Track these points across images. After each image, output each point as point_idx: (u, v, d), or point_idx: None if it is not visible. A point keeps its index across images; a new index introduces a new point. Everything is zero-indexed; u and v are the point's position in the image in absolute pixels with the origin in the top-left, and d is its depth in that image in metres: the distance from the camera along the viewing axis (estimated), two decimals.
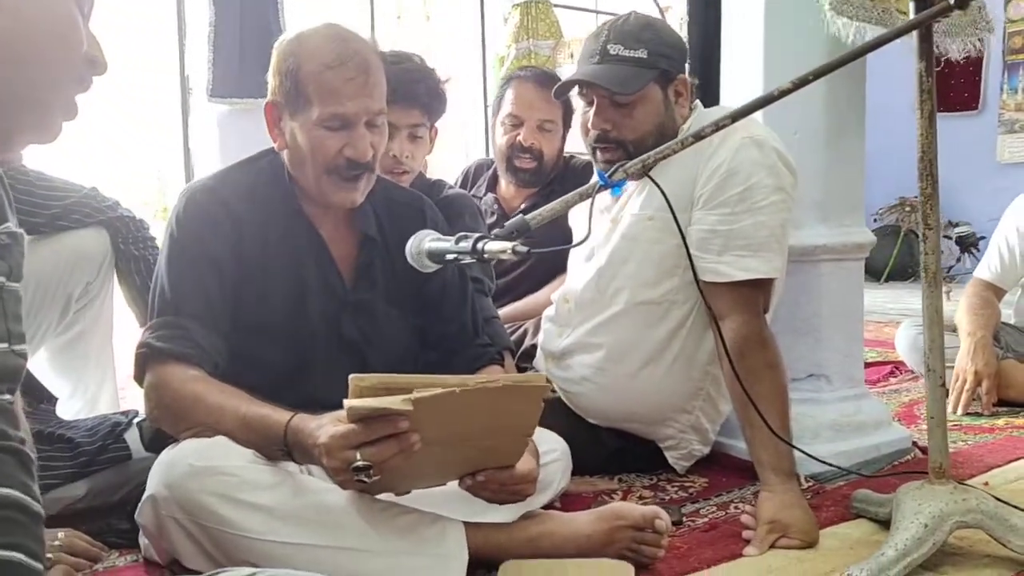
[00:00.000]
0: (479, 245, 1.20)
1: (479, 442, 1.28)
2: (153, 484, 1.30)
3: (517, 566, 1.34)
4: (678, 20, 4.04)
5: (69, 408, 1.94)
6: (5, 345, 0.85)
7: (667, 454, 1.91)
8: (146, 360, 1.42)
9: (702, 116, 1.77)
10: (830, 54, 1.74)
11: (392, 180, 1.81)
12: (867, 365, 3.12)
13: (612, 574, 1.32)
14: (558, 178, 2.34)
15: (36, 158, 1.94)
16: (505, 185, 2.41)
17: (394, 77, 1.77)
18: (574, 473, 1.75)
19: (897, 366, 3.10)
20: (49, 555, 1.42)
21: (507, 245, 1.17)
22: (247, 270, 1.50)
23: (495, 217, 2.37)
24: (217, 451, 1.30)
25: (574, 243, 1.26)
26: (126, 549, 1.53)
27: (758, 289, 1.67)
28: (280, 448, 1.29)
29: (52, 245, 1.84)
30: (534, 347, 2.03)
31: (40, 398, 1.76)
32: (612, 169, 1.30)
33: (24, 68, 0.81)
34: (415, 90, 1.90)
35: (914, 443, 2.03)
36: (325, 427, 1.21)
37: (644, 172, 1.24)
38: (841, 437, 1.95)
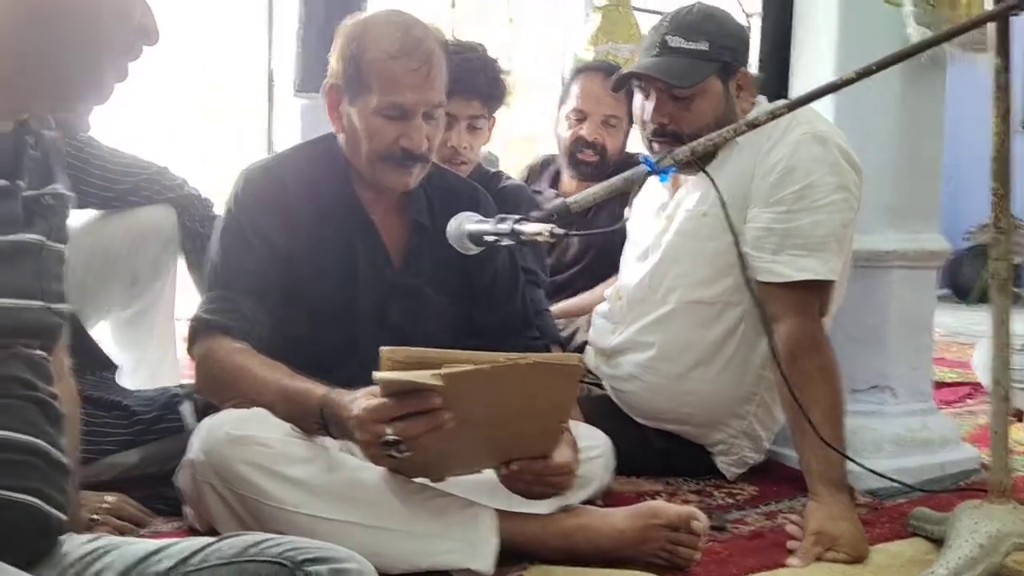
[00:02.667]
0: (517, 226, 1.20)
1: (513, 426, 1.27)
2: (192, 449, 1.33)
3: (544, 572, 1.33)
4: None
5: (132, 381, 2.00)
6: (41, 303, 0.88)
7: (717, 459, 1.86)
8: (196, 332, 1.46)
9: (764, 111, 1.72)
10: None
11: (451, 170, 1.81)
12: (946, 385, 3.01)
13: None
14: (618, 174, 2.31)
15: (118, 138, 2.02)
16: (567, 180, 2.40)
17: (455, 67, 1.77)
18: (620, 473, 1.72)
19: (975, 387, 2.95)
20: (96, 516, 1.47)
21: (544, 227, 1.16)
22: (298, 249, 1.52)
23: None
24: (255, 422, 1.32)
25: (613, 227, 1.24)
26: (172, 516, 1.57)
27: (815, 291, 1.61)
28: (317, 421, 1.31)
29: (121, 220, 1.90)
30: (585, 343, 2.01)
31: (103, 366, 1.82)
32: (660, 156, 1.27)
33: (76, 34, 0.84)
34: (475, 81, 1.90)
35: (982, 464, 1.93)
36: (358, 400, 1.22)
37: (693, 159, 1.21)
38: (904, 452, 1.87)
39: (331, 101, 1.55)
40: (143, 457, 1.68)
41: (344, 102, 1.52)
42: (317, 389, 1.31)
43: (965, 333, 4.59)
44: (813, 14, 1.96)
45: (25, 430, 0.83)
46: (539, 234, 1.16)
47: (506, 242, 1.23)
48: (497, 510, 1.36)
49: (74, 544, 0.90)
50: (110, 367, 1.83)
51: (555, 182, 2.45)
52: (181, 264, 2.03)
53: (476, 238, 1.28)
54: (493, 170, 2.11)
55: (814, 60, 1.93)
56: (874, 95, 1.83)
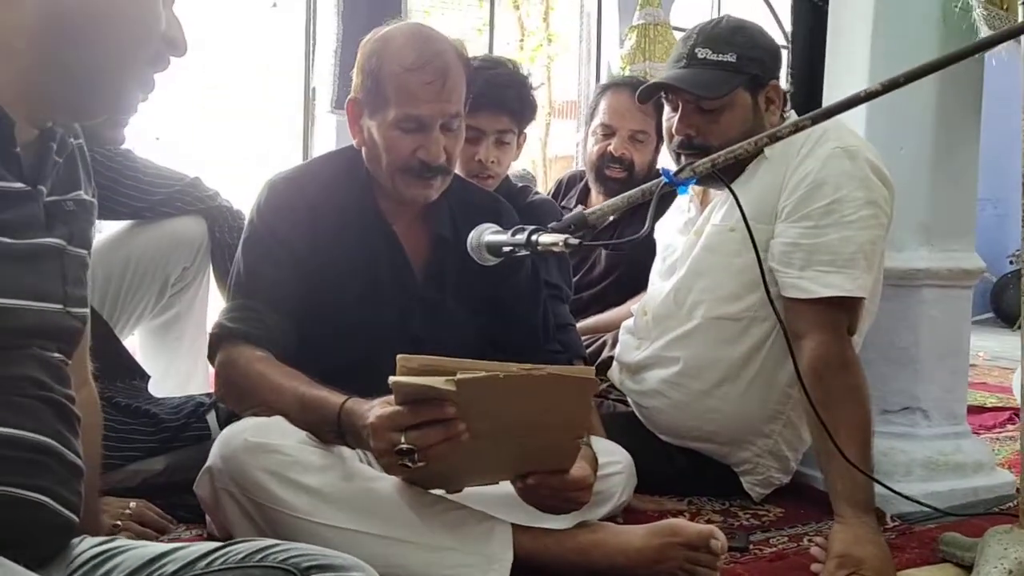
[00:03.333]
0: (533, 237, 1.19)
1: (528, 438, 1.26)
2: (211, 456, 1.34)
3: None
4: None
5: (161, 389, 2.03)
6: (60, 306, 0.89)
7: (742, 479, 1.82)
8: (218, 340, 1.47)
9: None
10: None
11: (476, 184, 1.82)
12: (986, 410, 2.95)
13: None
14: None
15: (154, 151, 2.06)
16: (595, 195, 2.39)
17: (484, 83, 1.78)
18: (643, 490, 1.70)
19: (1016, 412, 2.88)
20: (118, 522, 1.48)
21: (560, 237, 1.16)
22: (321, 259, 1.53)
23: None
24: (273, 430, 1.32)
25: (633, 238, 1.22)
26: (194, 524, 1.58)
27: (842, 308, 1.58)
28: (334, 430, 1.31)
29: (153, 230, 1.94)
30: (611, 359, 2.00)
31: (133, 374, 1.85)
32: (680, 167, 1.26)
33: (102, 45, 0.86)
34: (504, 96, 1.90)
35: (1018, 490, 1.87)
36: (374, 408, 1.23)
37: (715, 172, 1.20)
38: (936, 476, 1.82)
39: (352, 115, 1.56)
40: (168, 464, 1.70)
41: (364, 116, 1.54)
42: (335, 398, 1.32)
43: (1008, 358, 4.47)
44: (847, 28, 1.93)
45: (37, 429, 0.84)
46: (555, 244, 1.16)
47: (523, 252, 1.23)
48: (513, 524, 1.35)
49: (87, 545, 0.91)
50: (140, 375, 1.86)
51: (583, 198, 2.45)
52: (211, 274, 2.06)
53: (494, 249, 1.28)
54: (521, 184, 2.11)
55: (847, 74, 1.91)
56: (907, 108, 1.80)
